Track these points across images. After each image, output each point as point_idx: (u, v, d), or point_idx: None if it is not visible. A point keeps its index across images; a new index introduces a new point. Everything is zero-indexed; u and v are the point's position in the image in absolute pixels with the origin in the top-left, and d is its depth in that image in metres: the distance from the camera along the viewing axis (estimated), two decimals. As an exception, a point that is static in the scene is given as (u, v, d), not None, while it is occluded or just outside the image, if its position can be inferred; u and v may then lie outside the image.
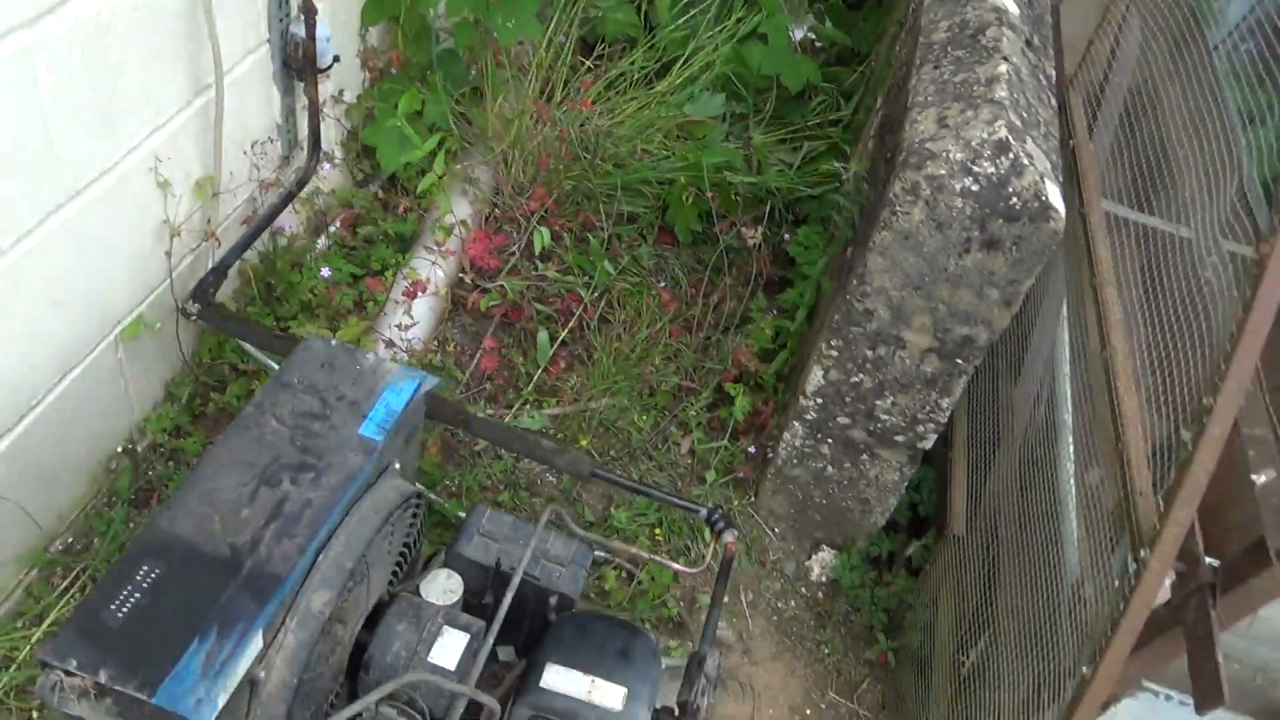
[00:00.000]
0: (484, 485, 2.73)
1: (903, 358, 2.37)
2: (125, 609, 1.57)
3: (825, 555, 2.86)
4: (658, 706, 1.95)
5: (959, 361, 2.34)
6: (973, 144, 2.01)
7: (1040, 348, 2.35)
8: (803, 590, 2.80)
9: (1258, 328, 1.33)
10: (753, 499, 2.89)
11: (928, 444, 2.56)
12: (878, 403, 2.49)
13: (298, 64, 2.54)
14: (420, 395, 2.03)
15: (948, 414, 2.46)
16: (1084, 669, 1.61)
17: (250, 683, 1.67)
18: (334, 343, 2.04)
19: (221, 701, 1.55)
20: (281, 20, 2.48)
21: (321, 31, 2.50)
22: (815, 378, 2.50)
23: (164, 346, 2.51)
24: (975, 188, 2.02)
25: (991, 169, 2.00)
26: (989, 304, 2.19)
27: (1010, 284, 2.14)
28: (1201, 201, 1.77)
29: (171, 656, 1.53)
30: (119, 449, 2.41)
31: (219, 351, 2.65)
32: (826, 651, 2.69)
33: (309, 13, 2.42)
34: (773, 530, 2.88)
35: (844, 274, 2.44)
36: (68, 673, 1.49)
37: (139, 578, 1.60)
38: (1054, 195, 2.02)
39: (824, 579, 2.83)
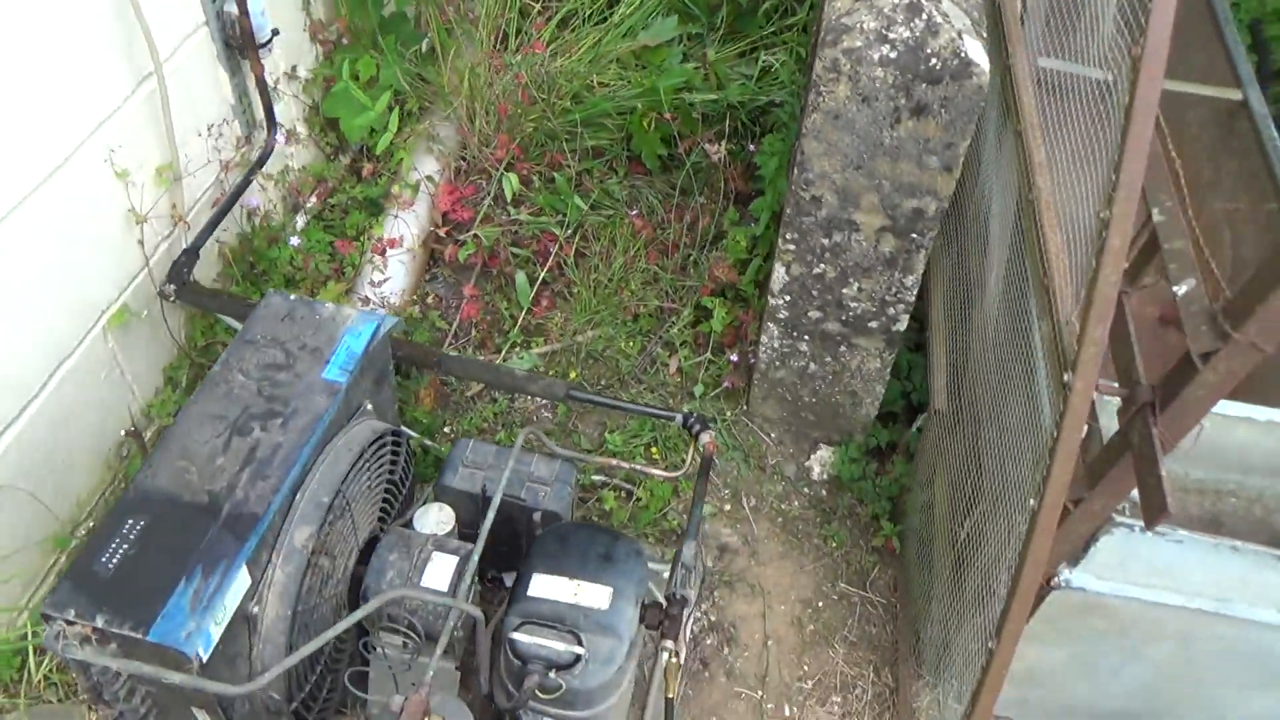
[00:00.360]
0: (480, 428, 2.81)
1: (859, 241, 2.38)
2: (115, 560, 1.67)
3: (824, 453, 2.90)
4: (646, 602, 2.01)
5: (914, 236, 2.34)
6: (885, 10, 2.00)
7: (993, 208, 2.34)
8: (805, 490, 2.84)
9: (1139, 131, 1.32)
10: (745, 407, 2.93)
11: (901, 325, 2.57)
12: (844, 291, 2.51)
13: (238, 42, 2.61)
14: (381, 336, 2.10)
15: (914, 292, 2.47)
16: (1031, 501, 1.63)
17: (247, 619, 1.78)
18: (292, 297, 2.12)
19: (215, 634, 1.65)
20: (215, 1, 2.54)
21: (255, 6, 2.56)
22: (779, 274, 2.52)
23: (156, 332, 2.61)
24: (893, 54, 2.02)
25: (906, 33, 2.00)
26: (930, 172, 2.19)
27: (947, 148, 2.14)
28: (1117, 43, 1.75)
29: (161, 597, 1.63)
30: (124, 433, 2.53)
31: (211, 332, 2.75)
32: (834, 545, 2.73)
33: (238, -11, 2.48)
34: (769, 435, 2.92)
35: (792, 167, 2.45)
36: (68, 622, 1.60)
37: (125, 530, 1.71)
38: (974, 50, 2.01)
39: (825, 476, 2.87)
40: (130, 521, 1.72)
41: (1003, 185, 2.21)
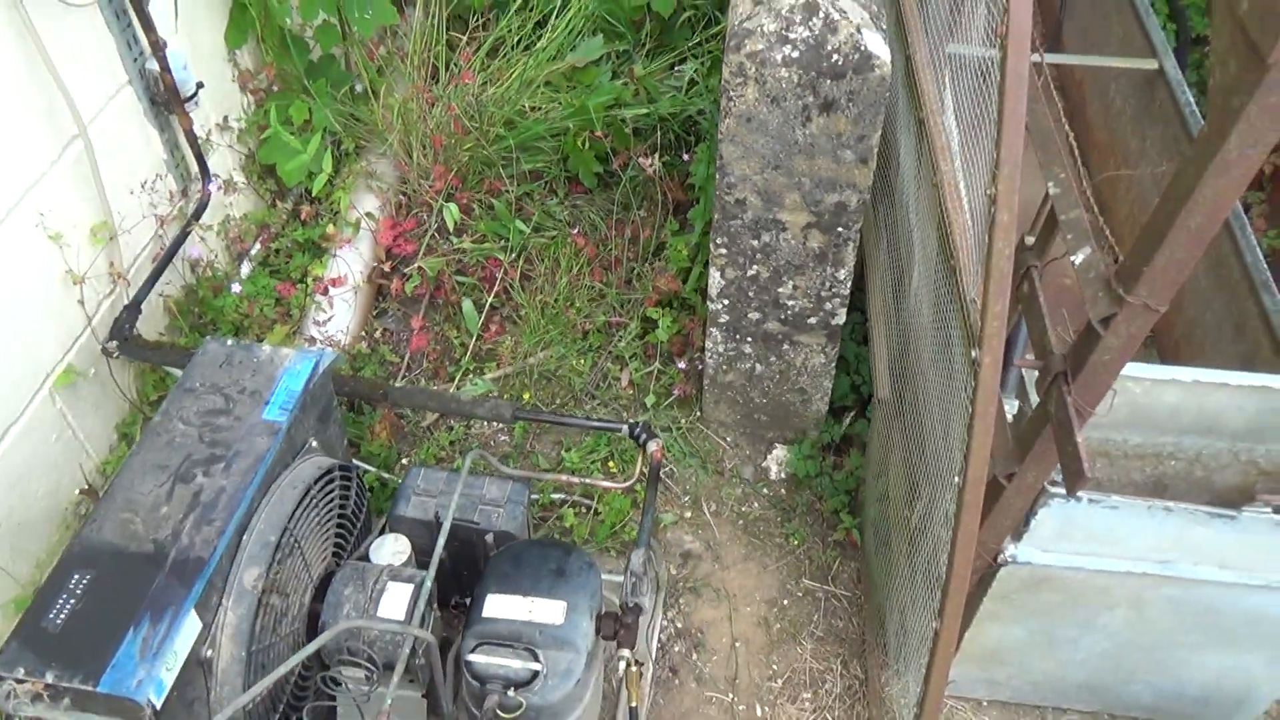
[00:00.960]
0: (438, 457, 2.83)
1: (787, 239, 2.42)
2: (63, 615, 1.68)
3: (780, 452, 2.93)
4: (601, 613, 2.03)
5: (840, 230, 2.39)
6: (783, 12, 2.05)
7: (911, 195, 2.39)
8: (764, 490, 2.87)
9: (1013, 107, 1.37)
10: (698, 413, 2.96)
11: (839, 319, 2.61)
12: (779, 290, 2.55)
13: (163, 98, 2.64)
14: (321, 373, 2.12)
15: (847, 285, 2.52)
16: (956, 478, 1.67)
17: (201, 663, 1.79)
18: (230, 342, 2.14)
19: (168, 680, 1.67)
20: (136, 60, 2.58)
21: (177, 61, 2.59)
22: (715, 279, 2.56)
23: (105, 390, 2.63)
24: (795, 54, 2.07)
25: (806, 32, 2.05)
26: (847, 166, 2.23)
27: (859, 140, 2.19)
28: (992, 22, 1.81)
29: (109, 648, 1.64)
30: (79, 492, 2.54)
31: (162, 385, 2.77)
32: (795, 542, 2.76)
33: (155, 44, 2.51)
34: (724, 439, 2.95)
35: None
36: (18, 680, 1.61)
37: (72, 585, 1.72)
38: (874, 43, 2.06)
39: (783, 475, 2.90)
40: (76, 576, 1.73)
41: (916, 172, 2.27)
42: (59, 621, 1.67)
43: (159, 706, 1.63)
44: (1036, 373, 1.77)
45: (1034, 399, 1.84)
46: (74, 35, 2.36)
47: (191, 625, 1.73)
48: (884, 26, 2.14)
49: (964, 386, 1.79)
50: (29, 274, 2.33)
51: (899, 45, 2.25)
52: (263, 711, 1.88)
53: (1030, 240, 1.85)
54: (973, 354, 1.56)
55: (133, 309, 2.55)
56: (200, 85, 2.72)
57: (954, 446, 1.90)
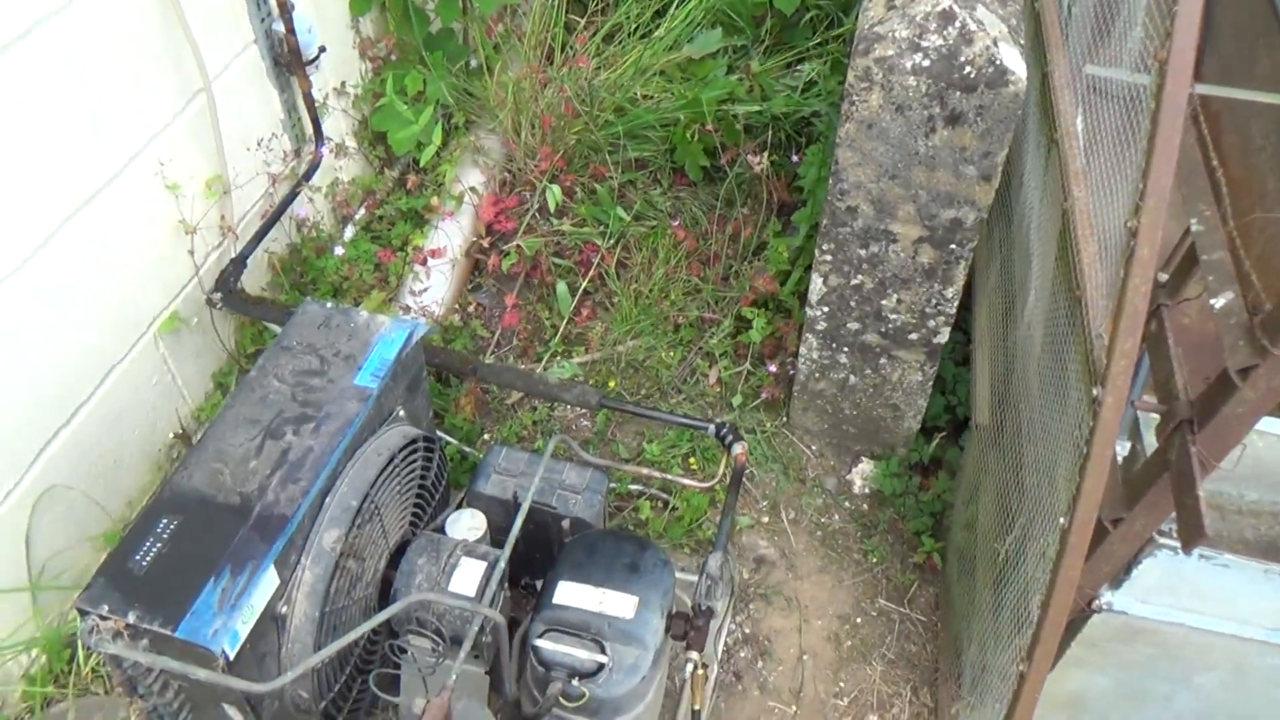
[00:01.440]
0: (519, 435, 2.83)
1: (896, 251, 2.34)
2: (149, 558, 1.72)
3: (865, 466, 2.85)
4: (672, 612, 2.00)
5: (953, 247, 2.30)
6: (917, 19, 1.97)
7: (1034, 217, 2.29)
8: (846, 503, 2.80)
9: (1167, 137, 1.28)
10: (785, 419, 2.90)
11: (942, 338, 2.52)
12: (883, 302, 2.47)
13: (286, 60, 2.68)
14: (414, 343, 2.13)
15: (954, 304, 2.42)
16: (1061, 520, 1.59)
17: (275, 618, 1.81)
18: (329, 305, 2.16)
19: (242, 632, 1.69)
20: (263, 21, 2.62)
21: (302, 24, 2.63)
22: (817, 285, 2.50)
23: (206, 339, 2.69)
24: (926, 63, 1.99)
25: (940, 40, 1.97)
26: (968, 181, 2.15)
27: (984, 157, 2.10)
28: (1146, 47, 1.71)
29: (190, 595, 1.67)
30: (173, 435, 2.61)
31: (260, 339, 2.82)
32: (874, 560, 2.69)
33: (284, 8, 2.54)
34: (809, 447, 2.88)
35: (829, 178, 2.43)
36: (102, 617, 1.65)
37: (159, 529, 1.75)
38: (1010, 58, 1.97)
39: (866, 490, 2.82)
40: (164, 521, 1.77)
41: (1043, 195, 2.16)
42: (144, 564, 1.71)
43: (231, 657, 1.65)
44: (1155, 416, 1.68)
45: (1149, 443, 1.74)
46: (206, -11, 2.41)
47: (270, 581, 1.75)
48: (1022, 41, 2.04)
49: (1079, 424, 1.70)
50: (146, 221, 2.39)
51: (1036, 61, 2.15)
52: (331, 672, 1.90)
53: (1163, 278, 1.74)
54: (1094, 392, 1.48)
55: (239, 263, 2.60)
56: (322, 49, 2.75)
57: (1059, 485, 1.81)
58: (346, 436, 1.92)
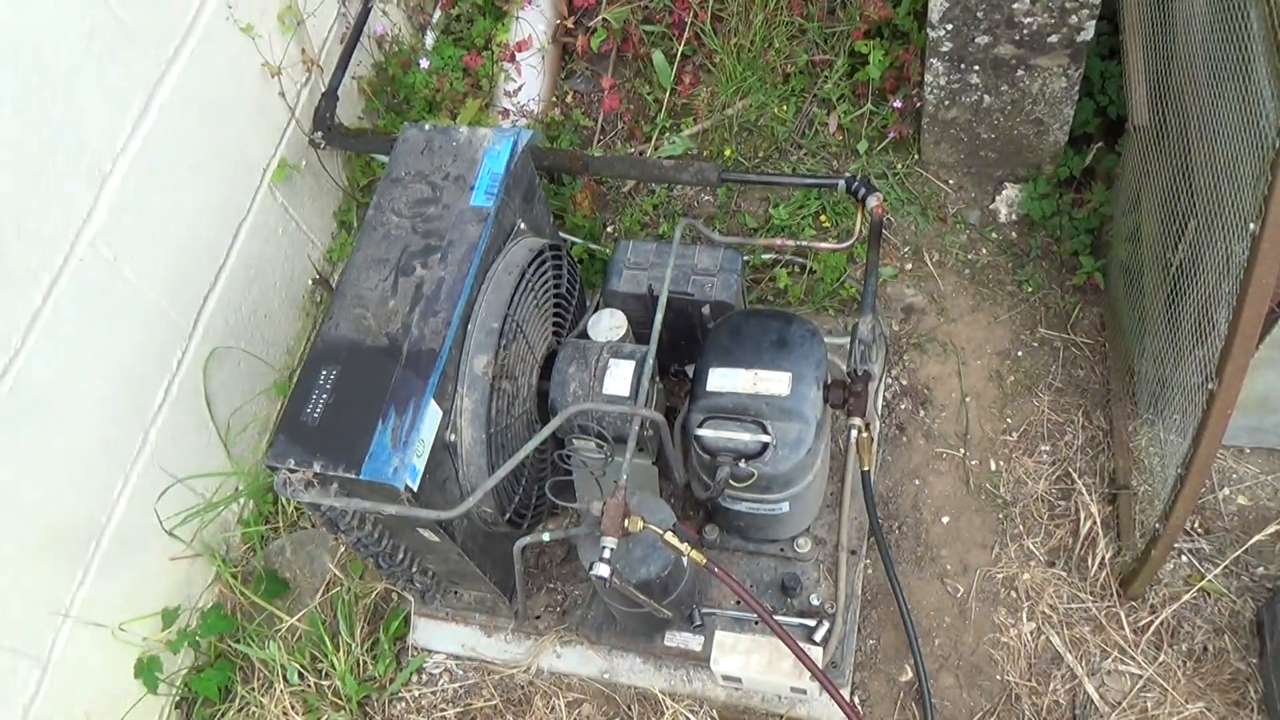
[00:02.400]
0: (642, 224, 2.76)
1: (1027, -56, 2.05)
2: (319, 409, 1.79)
3: (1010, 192, 2.66)
4: (828, 382, 1.97)
5: (1094, -75, 1.99)
6: None
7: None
8: (993, 235, 2.65)
9: None
10: (916, 156, 2.71)
11: (1087, 34, 2.24)
12: (1014, 6, 2.20)
13: None
14: (521, 152, 2.05)
15: (1100, -8, 2.13)
16: (1252, 225, 1.43)
17: (446, 446, 1.88)
18: (428, 126, 2.09)
19: (419, 465, 1.76)
20: None
21: None
22: (937, 1, 2.24)
23: (319, 180, 2.68)
24: None
25: None
26: None
27: None
28: None
29: (364, 439, 1.74)
30: (311, 281, 2.67)
31: (369, 170, 2.79)
32: (1030, 290, 2.56)
33: None
34: (946, 182, 2.70)
35: None
36: (290, 470, 1.75)
37: (321, 381, 1.81)
38: None
39: (1014, 217, 2.65)
40: (324, 372, 1.82)
41: None
42: (315, 415, 1.78)
43: (415, 489, 1.74)
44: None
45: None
46: None
47: (433, 414, 1.80)
48: None
49: (1264, 112, 1.49)
50: (230, 71, 2.33)
51: None
52: (508, 489, 1.98)
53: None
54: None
55: (330, 97, 2.54)
56: None
57: (1243, 185, 1.63)
58: (474, 261, 1.90)
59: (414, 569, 2.12)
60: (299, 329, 2.65)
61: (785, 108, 2.79)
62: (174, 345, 2.24)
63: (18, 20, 1.77)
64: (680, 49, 2.87)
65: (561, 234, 2.57)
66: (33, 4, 1.80)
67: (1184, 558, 2.20)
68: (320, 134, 2.51)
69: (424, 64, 2.74)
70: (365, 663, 2.28)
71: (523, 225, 2.08)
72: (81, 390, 2.01)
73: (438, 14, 3.00)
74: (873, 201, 2.11)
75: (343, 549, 2.40)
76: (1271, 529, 2.19)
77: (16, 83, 1.78)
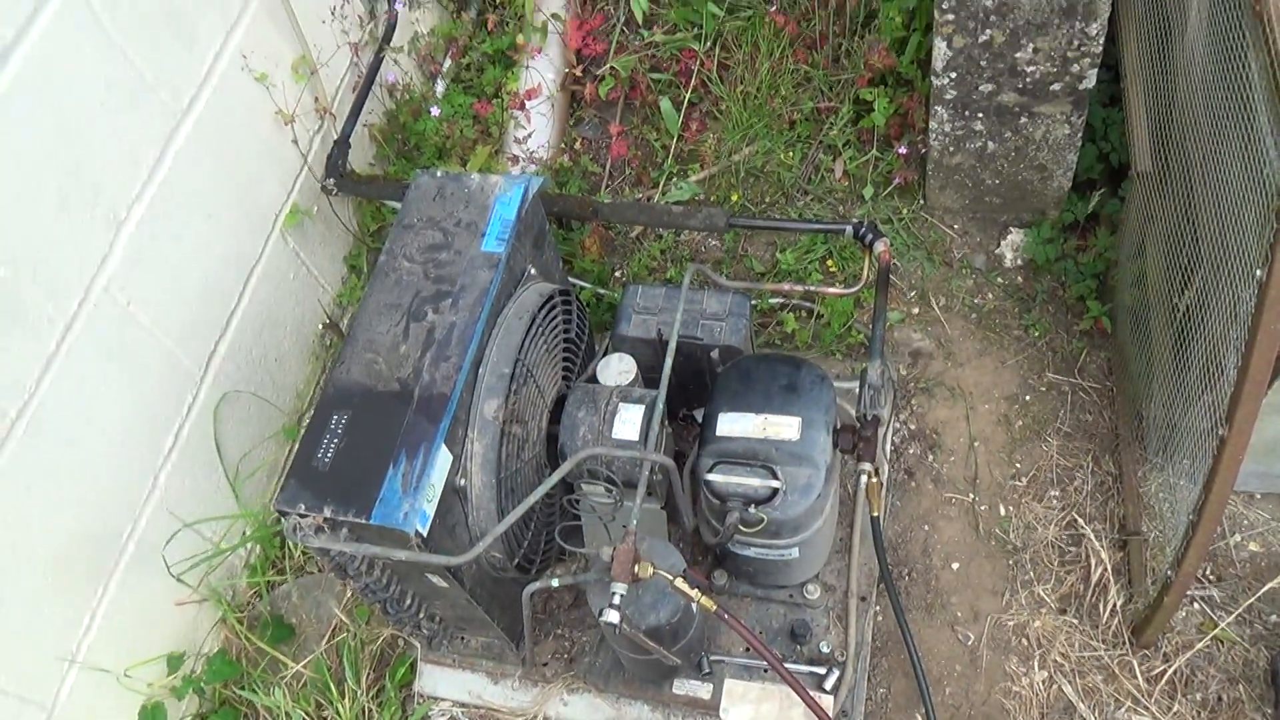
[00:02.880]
0: (649, 268, 2.78)
1: (1029, -4, 2.09)
2: (329, 454, 1.79)
3: (1015, 237, 2.68)
4: (837, 426, 1.97)
5: (1096, -23, 2.03)
6: None
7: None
8: (999, 280, 2.66)
9: None
10: (922, 201, 2.74)
11: (1089, 82, 2.28)
12: (1017, 55, 2.23)
13: (339, -85, 2.53)
14: (531, 198, 2.07)
15: (1100, 41, 2.17)
16: (1258, 271, 1.44)
17: (456, 491, 1.88)
18: (439, 174, 2.11)
19: (430, 510, 1.76)
20: (307, -124, 2.46)
21: (346, -127, 2.46)
22: (941, 50, 2.28)
23: (329, 225, 2.71)
24: None
25: None
26: (1107, -103, 1.86)
27: None
28: None
29: (375, 484, 1.74)
30: (322, 326, 2.68)
31: (379, 216, 2.82)
32: (1036, 334, 2.57)
33: None
34: (951, 227, 2.73)
35: (941, -75, 2.16)
36: (300, 515, 1.75)
37: (333, 425, 1.82)
38: None
39: (1019, 262, 2.67)
40: (335, 416, 1.83)
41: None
42: (327, 460, 1.78)
43: (425, 534, 1.74)
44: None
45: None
46: None
47: (444, 459, 1.80)
48: None
49: (1273, 159, 1.51)
50: (244, 118, 2.36)
51: None
52: (517, 534, 1.98)
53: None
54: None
55: (342, 144, 2.57)
56: (373, -103, 2.58)
57: (1248, 231, 1.64)
58: (485, 306, 1.91)
59: (421, 614, 2.11)
60: (309, 373, 2.67)
61: (791, 154, 2.83)
62: (185, 389, 2.25)
63: (40, 72, 1.80)
64: (687, 96, 2.91)
65: (570, 279, 2.59)
66: (54, 56, 1.83)
67: (1196, 605, 2.18)
68: (332, 180, 2.54)
69: (435, 111, 2.78)
70: (371, 710, 2.26)
71: (533, 270, 2.10)
72: (94, 434, 2.02)
73: (448, 63, 3.05)
74: (880, 247, 2.13)
75: (349, 594, 2.39)
76: (1285, 575, 2.17)
77: (36, 132, 1.82)
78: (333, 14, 2.64)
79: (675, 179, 2.88)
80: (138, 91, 2.04)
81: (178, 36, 2.13)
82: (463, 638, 2.28)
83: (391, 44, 2.79)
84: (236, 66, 2.31)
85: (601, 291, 2.66)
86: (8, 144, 1.77)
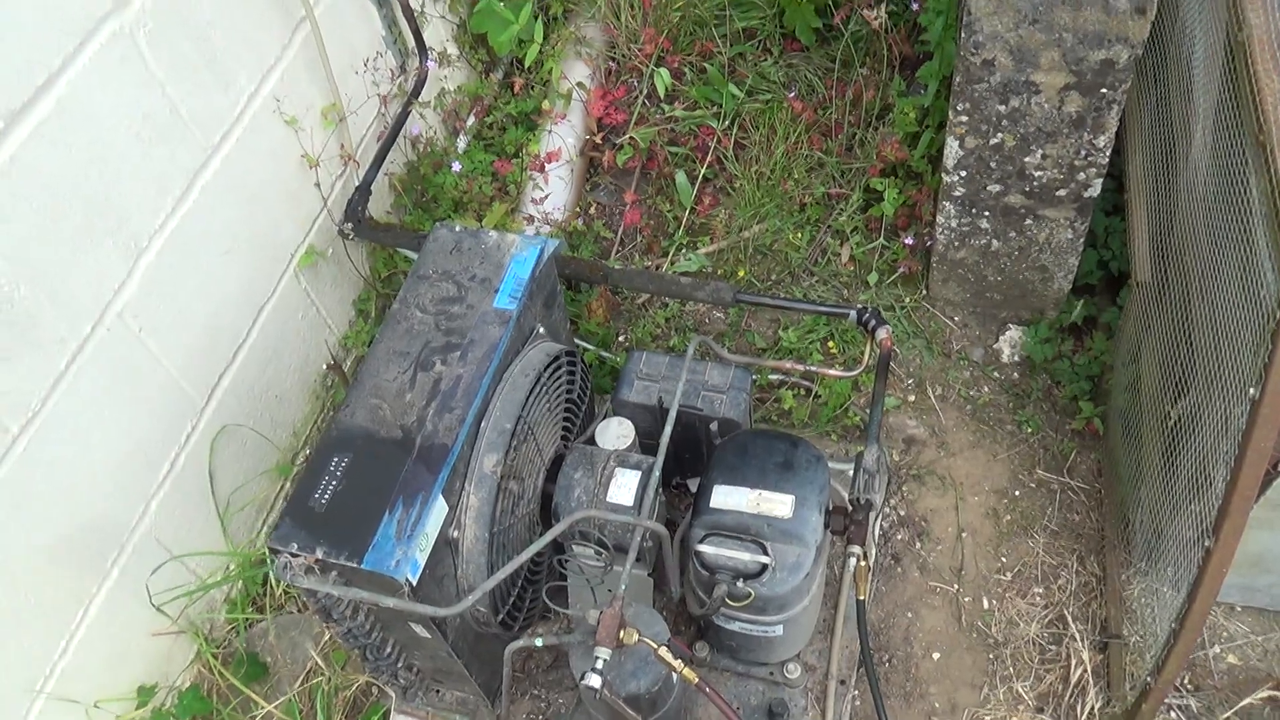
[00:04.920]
0: (653, 335, 2.82)
1: (1039, 104, 2.17)
2: (326, 495, 1.80)
3: (1013, 333, 2.74)
4: (830, 508, 1.99)
5: (1104, 91, 2.11)
6: None
7: (1197, 48, 2.07)
8: (995, 374, 2.71)
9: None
10: (924, 291, 2.79)
11: (1094, 191, 2.35)
12: (1026, 160, 2.31)
13: (380, -27, 2.62)
14: (546, 260, 2.12)
15: (1106, 153, 2.25)
16: (1251, 390, 1.48)
17: (449, 543, 1.89)
18: (458, 228, 2.16)
19: (421, 559, 1.77)
20: (354, -65, 2.55)
21: (393, -66, 2.55)
22: (953, 149, 2.35)
23: (341, 268, 2.75)
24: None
25: None
26: (1119, 16, 1.95)
27: (1140, -11, 1.89)
28: None
29: (370, 528, 1.75)
30: (326, 366, 2.71)
31: (391, 263, 2.87)
32: (1029, 430, 2.61)
33: (375, -79, 2.47)
34: (951, 319, 2.78)
35: (959, 29, 2.25)
36: (292, 554, 1.75)
37: (332, 467, 1.83)
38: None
39: (1016, 358, 2.72)
40: (335, 459, 1.84)
41: (1208, 21, 1.95)
42: (323, 501, 1.79)
43: (415, 583, 1.74)
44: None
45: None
46: (295, -86, 2.36)
47: (440, 509, 1.81)
48: None
49: (1264, 285, 1.56)
50: (272, 160, 2.42)
51: None
52: (504, 590, 1.98)
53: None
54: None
55: (363, 191, 2.62)
56: (415, -43, 2.68)
57: (1243, 350, 1.69)
58: (493, 361, 1.94)
59: (400, 664, 2.10)
60: (308, 411, 2.68)
61: (800, 235, 2.89)
62: (185, 419, 2.26)
63: (79, 102, 1.86)
64: (702, 171, 2.98)
65: (576, 339, 2.62)
66: (96, 87, 1.89)
67: (1173, 714, 2.18)
68: (350, 225, 2.59)
69: (455, 167, 2.84)
70: (339, 758, 2.24)
71: (542, 330, 2.14)
72: (91, 457, 2.02)
73: (471, 120, 3.13)
74: (882, 334, 2.17)
75: (327, 637, 2.37)
76: (1263, 693, 2.18)
77: (70, 159, 1.86)
78: (365, 65, 2.71)
79: (685, 250, 2.94)
80: (172, 125, 2.09)
81: (216, 77, 2.19)
82: (438, 691, 2.26)
83: (419, 99, 2.87)
84: (269, 109, 2.37)
85: (605, 355, 2.69)
86: (41, 167, 1.81)
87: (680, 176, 2.96)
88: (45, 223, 1.83)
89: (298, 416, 2.65)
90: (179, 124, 2.10)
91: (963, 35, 2.10)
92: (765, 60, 3.17)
